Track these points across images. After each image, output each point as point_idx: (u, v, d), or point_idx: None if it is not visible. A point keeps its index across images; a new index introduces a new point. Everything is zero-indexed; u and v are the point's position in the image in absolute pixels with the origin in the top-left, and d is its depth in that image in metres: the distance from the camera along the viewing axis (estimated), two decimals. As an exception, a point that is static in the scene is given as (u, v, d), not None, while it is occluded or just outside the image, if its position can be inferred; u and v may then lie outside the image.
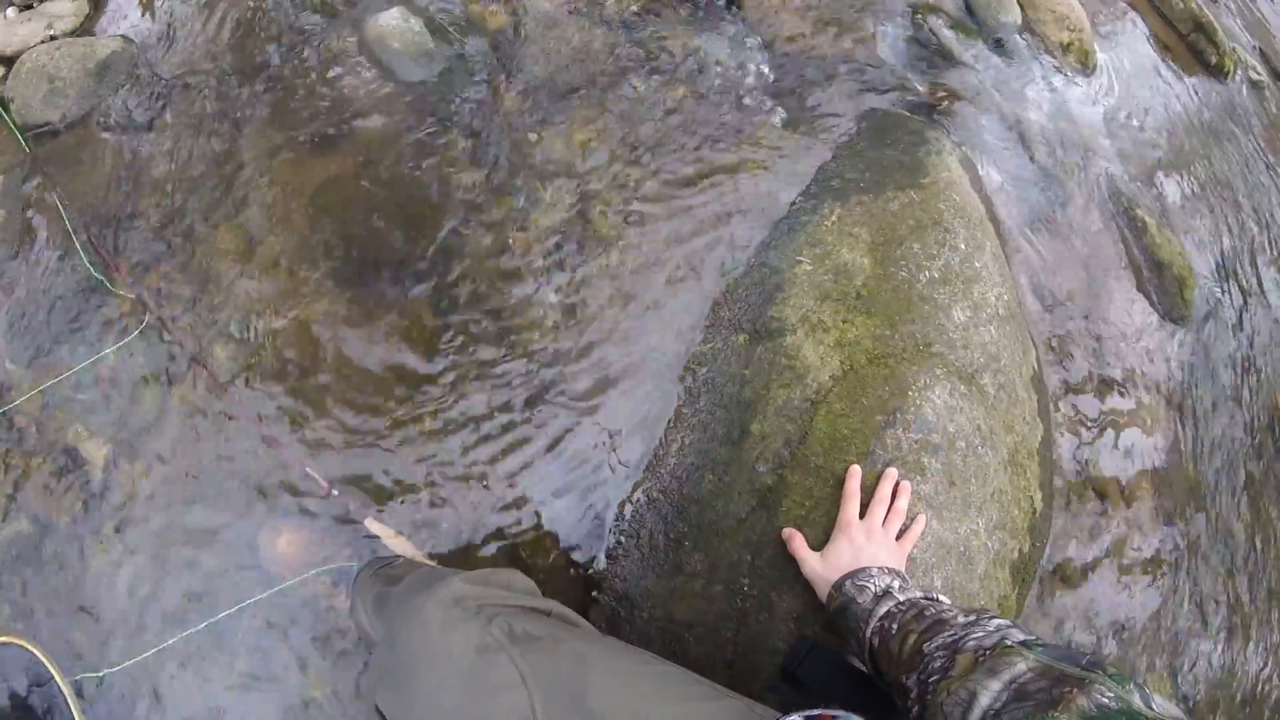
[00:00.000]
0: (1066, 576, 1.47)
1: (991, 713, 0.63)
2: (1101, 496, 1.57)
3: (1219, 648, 1.62)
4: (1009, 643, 0.70)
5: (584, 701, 0.71)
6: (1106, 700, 0.57)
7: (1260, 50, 2.76)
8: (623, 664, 0.80)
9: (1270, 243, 2.30)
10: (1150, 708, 0.57)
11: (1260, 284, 2.18)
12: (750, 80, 1.67)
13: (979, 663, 0.69)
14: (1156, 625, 1.54)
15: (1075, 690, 0.58)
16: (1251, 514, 1.81)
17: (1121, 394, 1.69)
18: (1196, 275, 1.94)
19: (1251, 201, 2.32)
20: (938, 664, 0.73)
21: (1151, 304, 1.86)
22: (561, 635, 0.81)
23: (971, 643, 0.73)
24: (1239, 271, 2.13)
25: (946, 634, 0.77)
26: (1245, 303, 2.09)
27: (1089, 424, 1.61)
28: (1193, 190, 2.14)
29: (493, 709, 0.71)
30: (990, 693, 0.64)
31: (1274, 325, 2.13)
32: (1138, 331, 1.79)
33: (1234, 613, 1.68)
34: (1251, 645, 1.69)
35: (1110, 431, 1.63)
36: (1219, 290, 2.03)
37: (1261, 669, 1.66)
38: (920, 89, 1.75)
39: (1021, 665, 0.65)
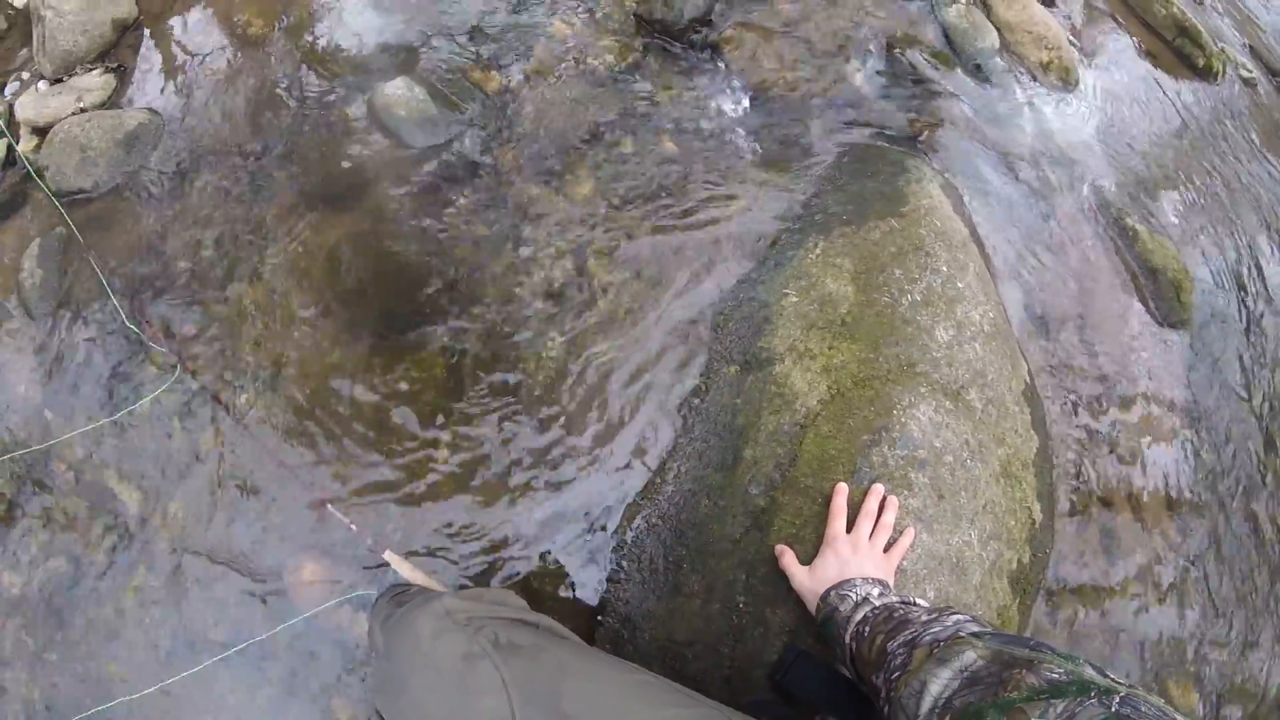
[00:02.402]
0: (1077, 588, 1.48)
1: (943, 700, 0.64)
2: (1109, 506, 1.57)
3: (1242, 652, 1.61)
4: (961, 634, 0.72)
5: (560, 705, 0.76)
6: (1056, 675, 0.58)
7: (1250, 48, 2.77)
8: (602, 672, 0.84)
9: (1272, 239, 2.29)
10: (1105, 675, 0.58)
11: (1264, 281, 2.18)
12: (735, 124, 1.73)
13: (932, 654, 0.71)
14: (1175, 633, 1.54)
15: (1024, 670, 0.60)
16: (1268, 513, 1.81)
17: (1124, 402, 1.70)
18: (1194, 278, 1.95)
19: (1250, 199, 2.31)
20: (898, 661, 0.76)
21: (1148, 311, 1.87)
22: (545, 645, 0.86)
23: (928, 637, 0.76)
24: (1240, 271, 2.13)
25: (907, 632, 0.80)
26: (1248, 301, 2.08)
27: (1091, 434, 1.61)
28: (1187, 194, 2.15)
29: (475, 711, 0.76)
30: (940, 681, 0.66)
31: (1278, 321, 2.13)
32: (1136, 339, 1.80)
33: (1257, 615, 1.67)
34: (1278, 647, 1.68)
35: (1114, 440, 1.63)
36: (1220, 292, 2.03)
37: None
38: (901, 120, 1.80)
39: (971, 654, 0.67)
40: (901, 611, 0.87)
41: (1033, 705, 0.55)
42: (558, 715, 0.76)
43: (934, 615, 0.82)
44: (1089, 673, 0.59)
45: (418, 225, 1.56)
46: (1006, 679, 0.60)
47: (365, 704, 1.25)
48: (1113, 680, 0.57)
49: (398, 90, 1.66)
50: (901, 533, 1.16)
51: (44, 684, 1.30)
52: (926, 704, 0.65)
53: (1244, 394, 1.91)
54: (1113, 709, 0.52)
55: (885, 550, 1.13)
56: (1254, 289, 2.13)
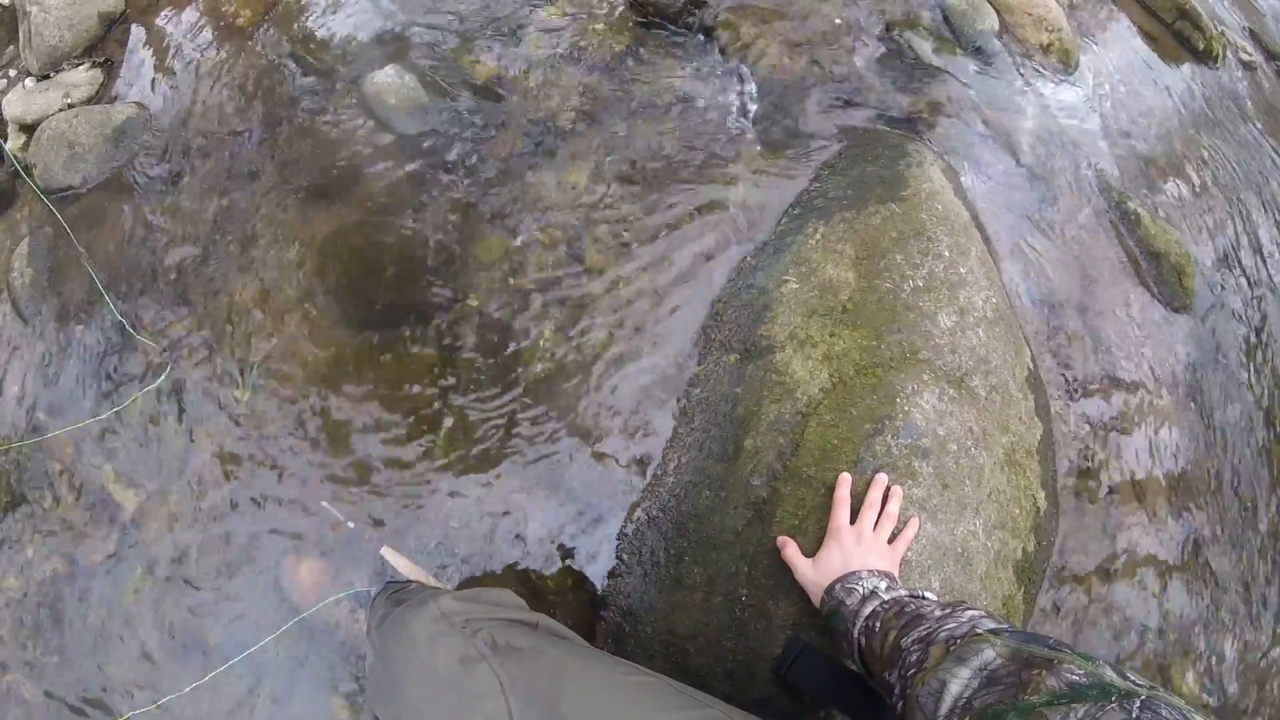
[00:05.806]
0: (1082, 577, 1.46)
1: (963, 700, 0.63)
2: (1112, 491, 1.56)
3: (1250, 640, 1.60)
4: (979, 631, 0.71)
5: (559, 709, 0.75)
6: (1076, 678, 0.57)
7: (1250, 31, 2.75)
8: (602, 674, 0.83)
9: (1272, 223, 2.28)
10: (1125, 678, 0.57)
11: (1266, 266, 2.17)
12: (732, 110, 1.70)
13: (949, 652, 0.70)
14: (1181, 622, 1.53)
15: (1044, 671, 0.59)
16: (1270, 497, 1.80)
17: (1127, 387, 1.69)
18: (1197, 262, 1.93)
19: (1250, 183, 2.30)
20: (914, 657, 0.75)
21: (1151, 295, 1.86)
22: (544, 646, 0.85)
23: (944, 634, 0.74)
24: (1243, 255, 2.12)
25: (922, 628, 0.78)
26: (1251, 285, 2.07)
27: (1095, 420, 1.60)
28: (1188, 178, 2.13)
29: (473, 715, 0.75)
30: (960, 680, 0.65)
31: (1280, 305, 2.12)
32: (1139, 323, 1.79)
33: (1260, 599, 1.66)
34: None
35: (1119, 426, 1.62)
36: (1222, 275, 2.02)
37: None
38: (901, 104, 1.77)
39: (990, 652, 0.66)
40: (913, 606, 0.85)
41: (1053, 709, 0.54)
42: (557, 719, 0.75)
43: (948, 610, 0.80)
44: (1109, 674, 0.57)
45: (410, 215, 1.53)
46: (1026, 680, 0.59)
47: (365, 705, 1.24)
48: (1133, 682, 0.56)
49: (388, 78, 1.64)
50: (906, 523, 1.15)
51: (43, 691, 1.29)
52: (946, 704, 0.64)
53: (1247, 378, 1.90)
54: (1134, 715, 0.51)
55: (890, 541, 1.11)
56: (1256, 273, 2.11)
